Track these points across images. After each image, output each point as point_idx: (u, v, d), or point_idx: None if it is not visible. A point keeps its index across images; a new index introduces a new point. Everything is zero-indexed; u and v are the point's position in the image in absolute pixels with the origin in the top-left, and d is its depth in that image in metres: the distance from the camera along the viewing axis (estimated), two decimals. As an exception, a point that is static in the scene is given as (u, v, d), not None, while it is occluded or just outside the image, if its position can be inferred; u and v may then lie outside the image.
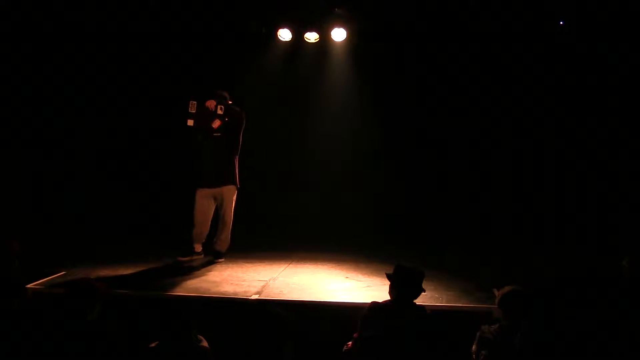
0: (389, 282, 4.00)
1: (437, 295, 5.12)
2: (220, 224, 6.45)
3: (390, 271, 4.01)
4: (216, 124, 6.12)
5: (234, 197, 6.41)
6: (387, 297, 4.01)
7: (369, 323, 3.86)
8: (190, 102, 6.09)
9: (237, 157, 6.37)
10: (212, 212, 6.44)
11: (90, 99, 8.09)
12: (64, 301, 3.74)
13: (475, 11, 7.21)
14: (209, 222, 6.44)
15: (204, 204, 6.34)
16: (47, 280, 5.34)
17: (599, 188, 7.58)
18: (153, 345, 3.62)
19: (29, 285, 5.09)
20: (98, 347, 3.57)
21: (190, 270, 5.99)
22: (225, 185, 6.33)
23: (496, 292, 4.95)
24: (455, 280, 5.69)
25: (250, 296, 5.07)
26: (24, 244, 5.02)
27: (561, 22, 7.34)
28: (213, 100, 6.15)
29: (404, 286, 3.93)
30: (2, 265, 4.48)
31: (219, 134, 6.18)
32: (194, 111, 6.09)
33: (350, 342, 3.93)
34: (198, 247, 6.46)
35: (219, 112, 6.13)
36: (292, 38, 7.74)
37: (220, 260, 6.43)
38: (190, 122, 6.10)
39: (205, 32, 7.86)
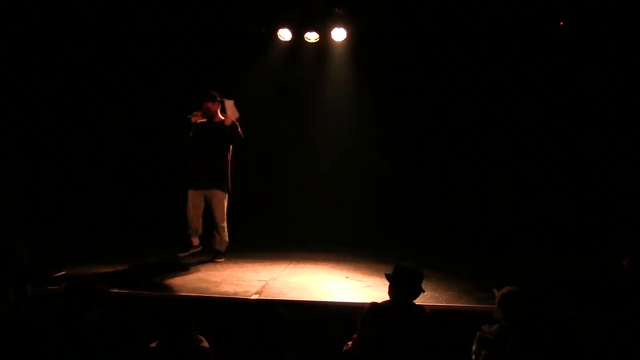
0: (388, 282, 4.01)
1: (437, 295, 5.13)
2: (214, 226, 6.52)
3: (390, 271, 4.01)
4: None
5: (224, 202, 6.48)
6: (387, 297, 4.01)
7: (369, 323, 3.87)
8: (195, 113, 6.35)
9: (229, 163, 6.47)
10: (203, 207, 6.51)
11: (90, 98, 8.09)
12: (64, 301, 3.74)
13: (475, 11, 7.20)
14: (201, 217, 6.53)
15: (195, 200, 6.45)
16: (47, 280, 5.33)
17: (599, 188, 7.57)
18: (153, 345, 3.62)
19: (29, 285, 5.09)
20: (97, 347, 3.57)
21: (190, 270, 6.00)
22: (213, 189, 6.41)
23: (496, 292, 4.95)
24: (455, 280, 5.70)
25: (250, 296, 5.07)
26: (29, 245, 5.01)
27: (561, 22, 7.34)
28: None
29: (403, 287, 3.93)
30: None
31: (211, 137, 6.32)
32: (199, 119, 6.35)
33: (350, 342, 3.93)
34: (196, 241, 6.54)
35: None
36: (292, 38, 7.73)
37: (220, 260, 6.45)
38: (194, 119, 6.32)
39: (205, 32, 7.85)
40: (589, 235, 7.22)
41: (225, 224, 6.52)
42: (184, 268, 6.08)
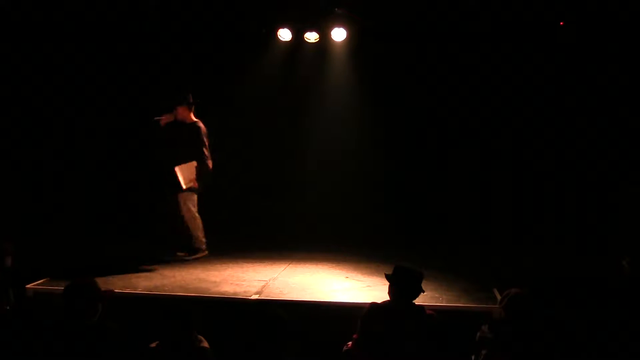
0: (388, 283, 4.01)
1: (437, 295, 5.13)
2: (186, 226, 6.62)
3: (390, 271, 4.01)
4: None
5: (187, 201, 6.50)
6: (387, 297, 4.01)
7: (369, 323, 3.87)
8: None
9: (199, 165, 6.46)
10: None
11: (90, 98, 8.08)
12: (64, 301, 3.74)
13: (475, 11, 7.20)
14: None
15: (172, 206, 6.56)
16: (47, 280, 5.34)
17: (599, 188, 7.56)
18: (153, 345, 3.62)
19: (29, 286, 5.09)
20: (98, 348, 3.57)
21: (190, 270, 6.00)
22: (176, 193, 6.47)
23: (497, 292, 4.96)
24: (455, 280, 5.70)
25: (250, 296, 5.07)
26: (18, 245, 5.01)
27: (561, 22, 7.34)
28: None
29: (403, 287, 3.93)
30: None
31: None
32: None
33: (350, 342, 3.93)
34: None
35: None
36: (292, 38, 7.73)
37: (193, 257, 6.51)
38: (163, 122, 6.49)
39: (205, 32, 7.85)
40: (589, 235, 7.22)
41: (195, 223, 6.55)
42: (184, 268, 6.08)
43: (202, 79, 8.06)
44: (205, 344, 3.62)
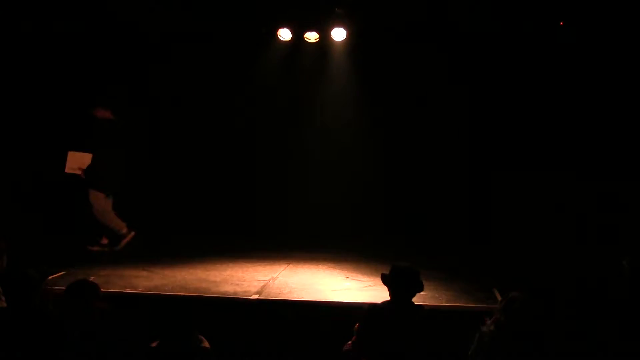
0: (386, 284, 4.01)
1: (437, 295, 5.13)
2: None
3: (388, 271, 4.01)
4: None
5: (94, 199, 6.77)
6: (387, 297, 4.02)
7: (368, 324, 3.87)
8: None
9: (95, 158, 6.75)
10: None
11: (90, 98, 8.07)
12: (64, 301, 3.74)
13: (475, 11, 7.20)
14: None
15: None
16: (48, 279, 5.32)
17: (599, 188, 7.56)
18: (153, 345, 3.62)
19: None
20: (99, 348, 3.57)
21: (190, 270, 6.00)
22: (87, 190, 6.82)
23: (497, 293, 4.96)
24: (455, 280, 5.70)
25: (250, 296, 5.07)
26: (11, 242, 4.99)
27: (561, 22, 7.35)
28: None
29: (400, 286, 3.94)
30: None
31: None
32: None
33: (350, 342, 3.94)
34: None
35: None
36: (292, 38, 7.74)
37: (120, 245, 6.77)
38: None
39: (205, 32, 7.86)
40: (589, 234, 7.22)
41: (102, 217, 6.77)
42: (184, 268, 6.09)
43: (202, 78, 8.07)
44: (206, 344, 3.62)
